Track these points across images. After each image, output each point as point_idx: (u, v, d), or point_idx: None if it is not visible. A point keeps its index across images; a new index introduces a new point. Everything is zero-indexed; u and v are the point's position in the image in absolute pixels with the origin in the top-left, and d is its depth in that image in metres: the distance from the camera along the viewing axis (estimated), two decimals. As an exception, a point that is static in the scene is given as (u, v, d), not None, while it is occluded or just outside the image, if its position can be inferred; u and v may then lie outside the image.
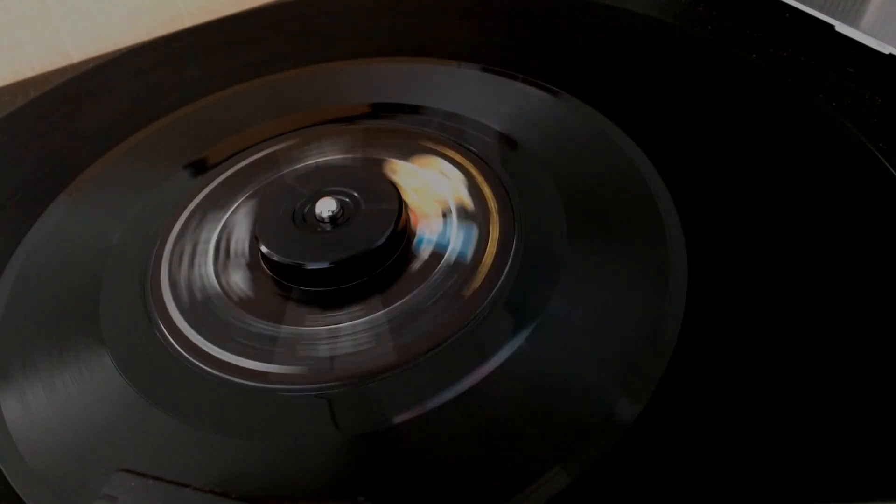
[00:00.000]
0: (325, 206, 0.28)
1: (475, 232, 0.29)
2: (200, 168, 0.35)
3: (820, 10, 0.40)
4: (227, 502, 0.20)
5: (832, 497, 0.20)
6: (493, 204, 0.30)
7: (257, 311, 0.27)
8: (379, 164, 0.33)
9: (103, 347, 0.26)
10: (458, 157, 0.32)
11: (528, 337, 0.25)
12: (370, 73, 0.39)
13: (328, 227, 0.28)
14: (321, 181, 0.30)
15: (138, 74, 0.43)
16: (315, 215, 0.29)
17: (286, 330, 0.26)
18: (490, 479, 0.21)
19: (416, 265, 0.28)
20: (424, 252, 0.28)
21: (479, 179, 0.31)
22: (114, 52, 0.50)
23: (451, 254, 0.28)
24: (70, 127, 0.39)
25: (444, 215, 0.30)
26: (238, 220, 0.31)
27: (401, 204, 0.29)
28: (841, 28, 0.38)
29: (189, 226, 0.31)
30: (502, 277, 0.27)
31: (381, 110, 0.37)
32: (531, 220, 0.29)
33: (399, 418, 0.23)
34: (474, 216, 0.30)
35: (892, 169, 0.29)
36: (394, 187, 0.29)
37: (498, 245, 0.28)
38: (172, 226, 0.31)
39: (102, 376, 0.25)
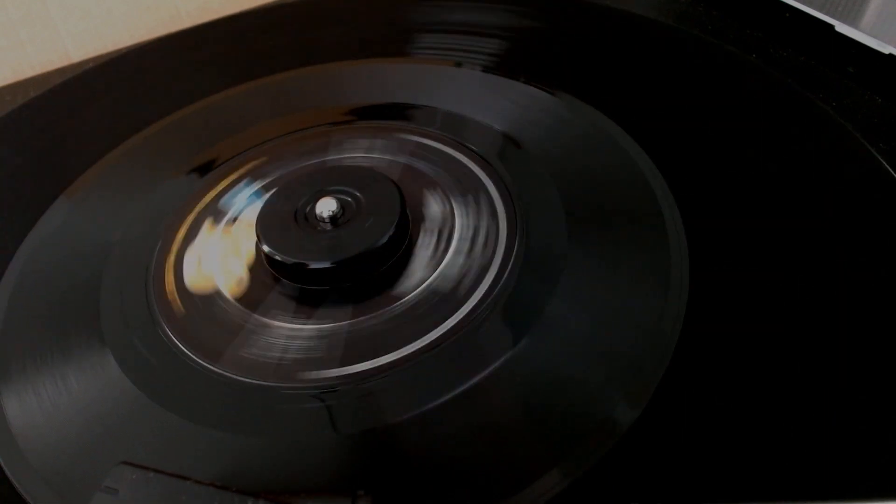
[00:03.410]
0: (326, 206, 0.28)
1: (476, 232, 0.29)
2: (200, 168, 0.35)
3: (820, 10, 0.40)
4: (227, 495, 0.20)
5: (832, 497, 0.20)
6: (493, 204, 0.30)
7: (258, 310, 0.27)
8: (380, 163, 0.33)
9: (104, 346, 0.26)
10: (458, 157, 0.32)
11: (529, 337, 0.25)
12: (370, 73, 0.39)
13: (329, 226, 0.28)
14: (322, 181, 0.30)
15: (138, 74, 0.43)
16: (316, 215, 0.29)
17: (287, 328, 0.26)
18: (490, 479, 0.21)
19: (418, 265, 0.28)
20: (425, 252, 0.28)
21: (480, 179, 0.31)
22: (114, 52, 0.50)
23: (451, 253, 0.28)
24: (70, 127, 0.39)
25: (445, 216, 0.30)
26: (239, 220, 0.31)
27: (402, 204, 0.29)
28: (841, 28, 0.38)
29: (189, 226, 0.31)
30: (503, 277, 0.27)
31: (382, 110, 0.37)
32: (532, 220, 0.29)
33: (399, 418, 0.23)
34: (475, 216, 0.30)
35: (891, 169, 0.29)
36: (395, 187, 0.30)
37: (498, 245, 0.28)
38: (173, 226, 0.31)
39: (104, 375, 0.25)
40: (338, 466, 0.22)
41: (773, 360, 0.23)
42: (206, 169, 0.34)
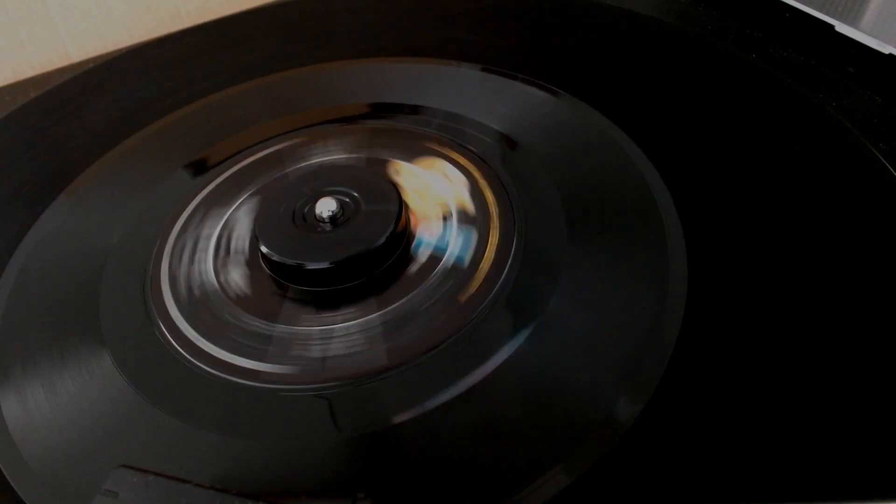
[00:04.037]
0: (325, 206, 0.28)
1: (475, 232, 0.29)
2: (200, 168, 0.35)
3: (820, 10, 0.40)
4: (227, 498, 0.20)
5: (832, 497, 0.20)
6: (493, 204, 0.30)
7: (258, 311, 0.27)
8: (379, 164, 0.33)
9: (103, 347, 0.26)
10: (457, 158, 0.32)
11: (528, 337, 0.25)
12: (370, 73, 0.39)
13: (328, 227, 0.28)
14: (321, 181, 0.30)
15: (138, 74, 0.43)
16: (315, 215, 0.29)
17: (286, 330, 0.26)
18: (490, 479, 0.21)
19: (417, 265, 0.28)
20: (424, 253, 0.28)
21: (479, 180, 0.31)
22: (114, 52, 0.50)
23: (450, 254, 0.28)
24: (70, 127, 0.39)
25: (445, 216, 0.30)
26: (238, 220, 0.31)
27: (400, 204, 0.29)
28: (841, 28, 0.38)
29: (189, 226, 0.31)
30: (502, 277, 0.27)
31: (381, 110, 0.37)
32: (531, 220, 0.29)
33: (400, 418, 0.23)
34: (474, 217, 0.30)
35: (892, 169, 0.29)
36: (394, 187, 0.29)
37: (498, 245, 0.28)
38: (172, 226, 0.31)
39: (102, 376, 0.25)
40: (338, 468, 0.22)
41: (773, 359, 0.23)
42: (205, 169, 0.34)
